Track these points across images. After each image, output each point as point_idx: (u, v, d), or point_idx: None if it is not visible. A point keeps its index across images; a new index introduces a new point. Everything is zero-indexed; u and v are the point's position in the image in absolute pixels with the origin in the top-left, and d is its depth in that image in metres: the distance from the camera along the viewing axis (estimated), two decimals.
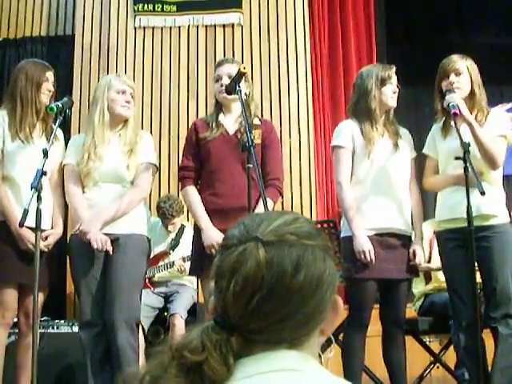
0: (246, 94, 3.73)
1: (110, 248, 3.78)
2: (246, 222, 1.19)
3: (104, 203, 3.86)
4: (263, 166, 3.80)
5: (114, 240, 3.83)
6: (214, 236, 3.70)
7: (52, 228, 4.00)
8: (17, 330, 4.01)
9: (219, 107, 4.00)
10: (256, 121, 3.96)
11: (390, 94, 3.96)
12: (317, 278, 1.13)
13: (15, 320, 3.98)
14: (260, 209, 3.50)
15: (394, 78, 4.00)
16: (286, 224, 1.17)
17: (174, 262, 5.57)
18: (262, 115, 6.11)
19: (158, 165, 4.11)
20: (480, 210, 3.73)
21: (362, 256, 3.75)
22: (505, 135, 3.86)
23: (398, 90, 4.00)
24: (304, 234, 1.16)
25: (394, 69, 4.03)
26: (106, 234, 3.80)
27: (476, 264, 3.81)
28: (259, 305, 1.10)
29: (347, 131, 3.98)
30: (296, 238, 1.14)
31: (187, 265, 5.39)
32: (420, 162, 4.14)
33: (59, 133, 4.09)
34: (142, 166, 3.94)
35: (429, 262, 5.01)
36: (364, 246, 3.76)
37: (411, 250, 3.92)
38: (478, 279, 3.86)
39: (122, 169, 3.88)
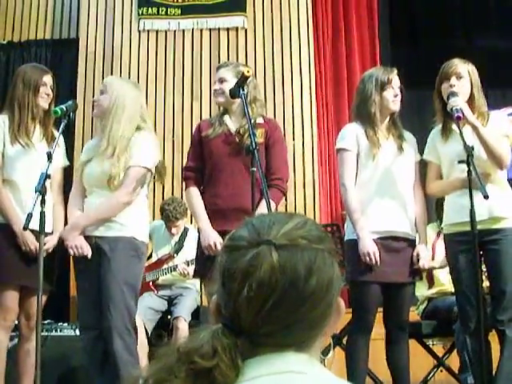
0: (255, 98, 3.78)
1: (86, 253, 3.74)
2: (256, 224, 1.18)
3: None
4: (267, 165, 3.80)
5: (99, 245, 3.78)
6: (211, 237, 3.69)
7: (52, 232, 3.99)
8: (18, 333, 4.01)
9: (224, 109, 4.01)
10: (260, 120, 3.95)
11: (391, 98, 3.95)
12: (327, 283, 1.14)
13: (16, 322, 3.98)
14: (261, 210, 3.45)
15: (395, 82, 3.97)
16: (297, 227, 1.16)
17: (177, 266, 5.57)
18: None
19: (148, 166, 3.86)
20: (492, 212, 3.75)
21: (367, 258, 3.74)
22: (507, 135, 3.88)
23: (399, 94, 3.99)
24: (314, 238, 1.16)
25: (395, 72, 4.01)
26: (93, 237, 3.78)
27: (484, 267, 3.83)
28: (272, 310, 1.10)
29: (352, 134, 3.97)
30: (307, 242, 1.14)
31: (191, 268, 5.39)
32: (421, 168, 4.13)
33: (60, 137, 4.06)
34: (127, 169, 3.79)
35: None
36: (369, 248, 3.75)
37: (415, 253, 3.91)
38: (485, 283, 3.86)
39: (104, 174, 3.77)
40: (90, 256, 3.75)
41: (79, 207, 3.90)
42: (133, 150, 3.81)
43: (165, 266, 5.66)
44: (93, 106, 4.10)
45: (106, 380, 3.71)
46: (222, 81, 3.91)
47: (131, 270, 3.80)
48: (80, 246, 3.73)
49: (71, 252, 3.74)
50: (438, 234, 4.91)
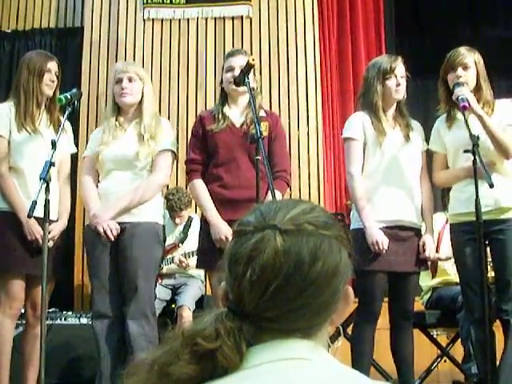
0: (253, 88, 3.71)
1: (111, 237, 3.79)
2: (263, 209, 1.18)
3: (116, 191, 3.88)
4: (270, 158, 3.80)
5: (123, 229, 3.84)
6: (222, 229, 3.69)
7: (57, 220, 4.00)
8: (24, 321, 4.02)
9: (224, 99, 4.00)
10: (262, 113, 3.96)
11: (393, 87, 3.93)
12: (332, 269, 1.14)
13: (22, 311, 3.99)
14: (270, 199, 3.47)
15: (399, 70, 3.95)
16: (303, 213, 1.16)
17: (173, 258, 5.58)
18: (270, 107, 6.11)
19: (175, 150, 4.07)
20: (498, 203, 3.75)
21: (376, 247, 3.75)
22: None
23: (403, 82, 3.97)
24: (321, 223, 1.16)
25: (399, 60, 3.99)
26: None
27: (490, 257, 3.83)
28: (275, 294, 1.10)
29: (358, 123, 3.97)
30: (313, 227, 1.14)
31: (190, 260, 5.40)
32: (427, 158, 4.12)
33: (66, 124, 4.05)
34: (159, 153, 3.94)
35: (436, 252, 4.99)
36: (377, 236, 3.76)
37: (421, 243, 3.91)
38: (490, 273, 3.86)
39: (130, 155, 3.88)
40: (112, 239, 3.81)
41: (96, 191, 3.96)
42: (160, 135, 3.96)
43: (169, 256, 5.67)
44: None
45: (118, 369, 3.71)
46: None
47: (153, 256, 3.89)
48: (113, 228, 3.80)
49: (101, 231, 3.79)
50: (447, 222, 4.91)
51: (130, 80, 3.98)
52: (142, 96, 4.01)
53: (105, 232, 3.79)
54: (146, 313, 3.80)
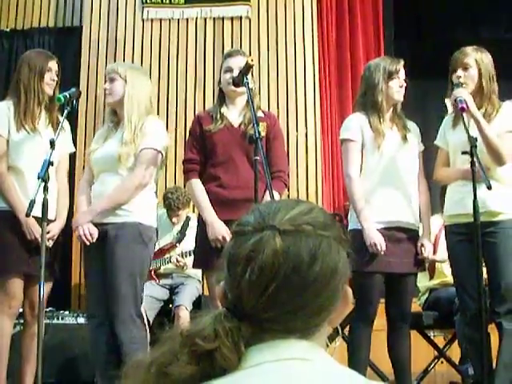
0: (251, 88, 3.71)
1: (85, 241, 3.76)
2: (262, 209, 1.18)
3: (102, 193, 3.84)
4: (268, 158, 3.79)
5: (105, 231, 3.78)
6: (219, 230, 3.69)
7: (55, 219, 4.00)
8: (22, 321, 4.02)
9: (222, 99, 4.00)
10: (260, 113, 3.95)
11: (396, 88, 3.96)
12: (331, 270, 1.14)
13: (20, 310, 3.99)
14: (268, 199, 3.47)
15: (402, 72, 4.00)
16: (302, 214, 1.16)
17: (170, 258, 5.58)
18: (268, 108, 6.12)
19: (159, 148, 3.89)
20: (487, 206, 3.73)
21: (374, 248, 3.75)
22: None
23: (405, 84, 4.00)
24: (320, 224, 1.16)
25: (402, 63, 4.03)
26: (98, 225, 3.78)
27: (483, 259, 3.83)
28: (274, 294, 1.10)
29: (356, 124, 3.97)
30: (312, 228, 1.14)
31: (187, 260, 5.40)
32: (431, 154, 4.14)
33: (65, 123, 4.03)
34: (139, 152, 3.82)
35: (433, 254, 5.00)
36: (375, 238, 3.77)
37: (419, 244, 3.92)
38: (485, 274, 3.86)
39: (112, 157, 3.81)
40: (89, 242, 3.76)
41: (87, 195, 3.92)
42: (141, 135, 3.84)
43: (166, 256, 5.67)
44: (97, 94, 4.13)
45: (109, 368, 3.70)
46: None
47: (136, 257, 3.80)
48: (90, 232, 3.76)
49: (78, 239, 3.79)
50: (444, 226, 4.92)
51: (112, 80, 3.93)
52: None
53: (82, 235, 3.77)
54: (132, 315, 3.74)
